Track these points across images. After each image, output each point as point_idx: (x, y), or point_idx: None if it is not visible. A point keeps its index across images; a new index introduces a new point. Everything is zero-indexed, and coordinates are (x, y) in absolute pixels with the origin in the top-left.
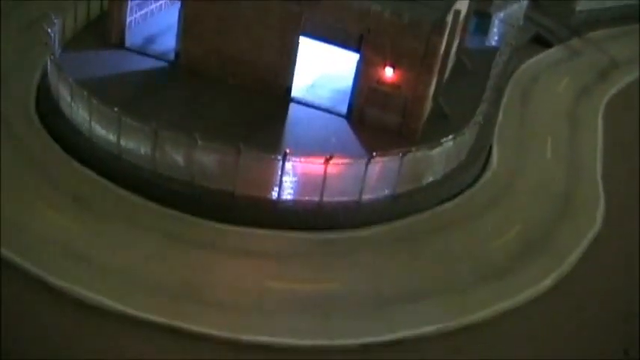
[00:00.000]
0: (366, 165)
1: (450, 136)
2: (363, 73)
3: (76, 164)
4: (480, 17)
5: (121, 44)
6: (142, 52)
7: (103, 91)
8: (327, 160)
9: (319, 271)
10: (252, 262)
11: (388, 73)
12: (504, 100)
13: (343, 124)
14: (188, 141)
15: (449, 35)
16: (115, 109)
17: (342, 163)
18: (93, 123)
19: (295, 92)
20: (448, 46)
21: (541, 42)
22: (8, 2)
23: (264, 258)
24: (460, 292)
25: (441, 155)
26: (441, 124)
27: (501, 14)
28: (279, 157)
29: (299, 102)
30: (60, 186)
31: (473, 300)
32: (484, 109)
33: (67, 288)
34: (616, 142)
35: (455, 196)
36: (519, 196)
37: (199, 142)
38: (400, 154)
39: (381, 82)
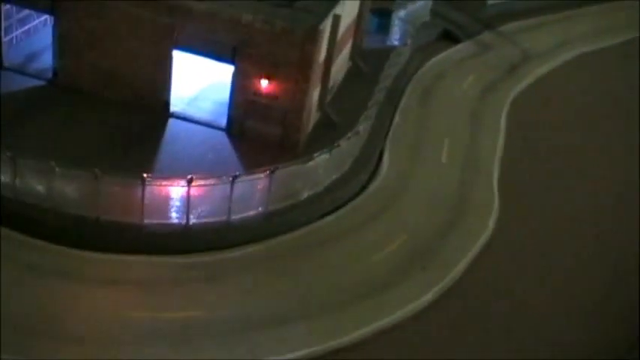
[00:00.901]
0: (231, 184)
1: (324, 150)
2: (239, 85)
3: None
4: (381, 16)
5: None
6: (20, 71)
7: None
8: (188, 182)
9: (184, 297)
10: (115, 291)
11: (263, 84)
12: (403, 101)
13: (223, 138)
14: (46, 168)
15: (330, 41)
16: None
17: (205, 184)
18: None
19: (175, 106)
20: (329, 52)
21: (450, 38)
22: None
23: (128, 286)
24: (333, 312)
25: (317, 169)
26: (328, 134)
27: (402, 12)
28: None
29: (178, 116)
30: None
31: (346, 320)
32: (371, 114)
33: None
34: (518, 142)
35: (338, 208)
36: (407, 204)
37: (57, 170)
38: (268, 172)
39: (258, 93)
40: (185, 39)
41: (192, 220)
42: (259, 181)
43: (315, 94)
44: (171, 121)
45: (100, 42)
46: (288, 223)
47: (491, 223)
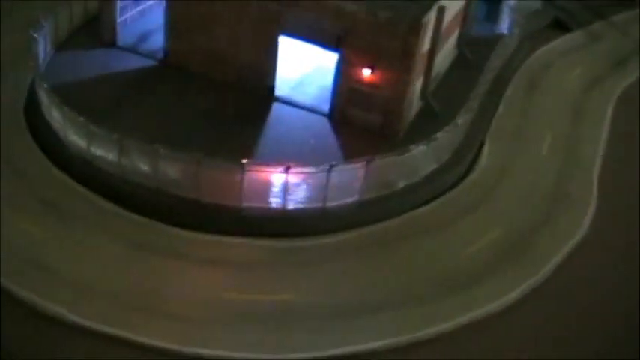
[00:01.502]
0: (328, 173)
1: (422, 142)
2: (342, 73)
3: (53, 169)
4: (490, 3)
5: (113, 43)
6: (133, 51)
7: (90, 92)
8: (286, 170)
9: (278, 280)
10: (211, 271)
11: (366, 73)
12: (508, 92)
13: (325, 124)
14: (151, 150)
15: (434, 32)
16: (81, 118)
17: (302, 172)
18: (67, 129)
19: (280, 90)
20: (434, 43)
21: (561, 27)
22: (8, 1)
23: (224, 267)
24: (421, 303)
25: (414, 160)
26: (430, 123)
27: (512, 1)
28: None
29: (282, 101)
30: (33, 190)
31: (433, 312)
32: (473, 105)
33: (23, 296)
34: (623, 139)
35: (433, 199)
36: (504, 198)
37: (162, 152)
38: (364, 162)
39: (360, 82)
40: (291, 25)
41: (290, 206)
42: (356, 170)
43: (417, 83)
44: (275, 105)
45: (209, 26)
46: (382, 212)
47: (587, 221)
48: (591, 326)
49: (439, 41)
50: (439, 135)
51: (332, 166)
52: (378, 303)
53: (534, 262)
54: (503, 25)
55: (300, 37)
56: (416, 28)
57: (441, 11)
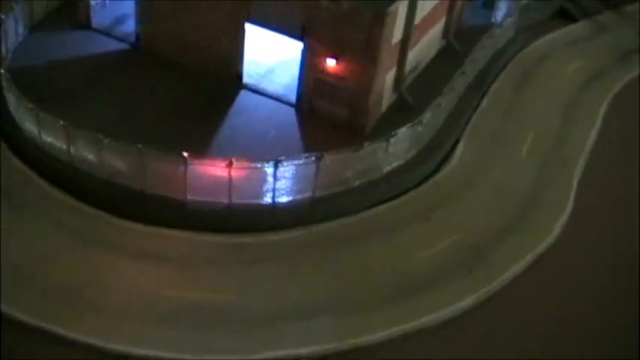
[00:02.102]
0: (275, 168)
1: (380, 139)
2: (307, 63)
3: (7, 153)
4: None
5: (88, 25)
6: (106, 33)
7: (58, 74)
8: (229, 164)
9: (218, 278)
10: (153, 265)
11: (331, 64)
12: (495, 85)
13: (291, 114)
14: (96, 139)
15: (406, 22)
16: (30, 104)
17: (246, 167)
18: (20, 114)
19: (250, 78)
20: (406, 33)
21: (567, 16)
22: None
23: (166, 262)
24: (364, 308)
25: (373, 156)
26: (404, 117)
27: None
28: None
29: (250, 89)
30: None
31: (375, 318)
32: (446, 100)
33: None
34: (612, 140)
35: (393, 198)
36: (471, 200)
37: (106, 142)
38: (314, 158)
39: (326, 72)
40: (258, 14)
41: (235, 200)
42: (305, 166)
43: (388, 76)
44: (243, 93)
45: (180, 12)
46: (336, 210)
47: (557, 227)
48: (548, 336)
49: (413, 32)
50: (399, 131)
51: (278, 162)
52: (320, 306)
53: (492, 269)
54: (499, 13)
55: (266, 26)
56: (380, 18)
57: (413, 0)
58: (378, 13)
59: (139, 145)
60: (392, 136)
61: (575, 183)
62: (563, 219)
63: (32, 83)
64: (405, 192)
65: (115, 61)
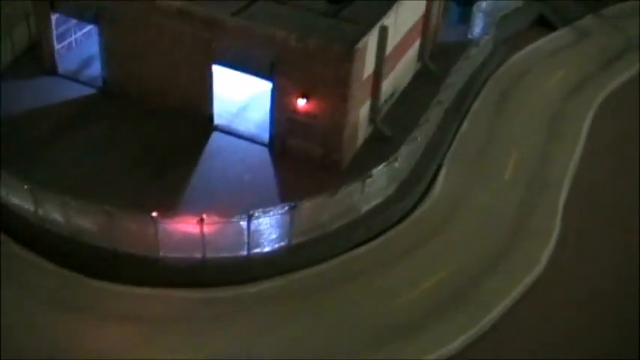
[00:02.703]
0: (248, 221)
1: (355, 180)
2: (278, 102)
3: None
4: (464, 4)
5: (55, 71)
6: (73, 78)
7: (24, 126)
8: (200, 221)
9: (193, 336)
10: (125, 327)
11: (301, 103)
12: (475, 105)
13: (265, 155)
14: (63, 202)
15: (378, 54)
16: None
17: (217, 222)
18: None
19: (221, 118)
20: (379, 65)
21: (546, 25)
22: None
23: (139, 322)
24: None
25: (350, 197)
26: (380, 149)
27: (483, 4)
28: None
29: (222, 130)
30: None
31: None
32: (424, 131)
33: None
34: (598, 156)
35: (375, 237)
36: (454, 234)
37: (73, 204)
38: (287, 208)
39: (297, 111)
40: (223, 54)
41: (210, 255)
42: (279, 216)
43: (362, 110)
44: (215, 135)
45: (143, 53)
46: (313, 256)
47: (544, 258)
48: None
49: (386, 61)
50: (375, 171)
51: (251, 216)
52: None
53: (479, 306)
54: (476, 28)
55: (233, 66)
56: (349, 55)
57: (384, 32)
58: (346, 51)
59: (107, 207)
60: (368, 177)
61: (560, 205)
62: (550, 246)
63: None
64: (386, 230)
65: (83, 108)
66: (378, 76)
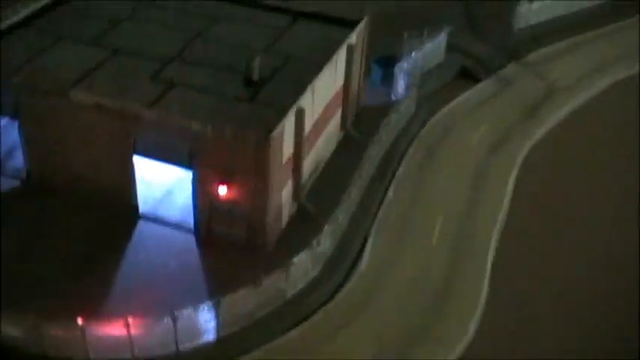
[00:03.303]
0: (173, 319)
1: (276, 271)
2: (199, 190)
3: None
4: (385, 66)
5: None
6: None
7: None
8: (126, 324)
9: None
10: None
11: (222, 191)
12: (400, 169)
13: (191, 240)
14: None
15: (296, 136)
16: None
17: (142, 324)
18: None
19: (146, 205)
20: (298, 147)
21: (469, 76)
22: None
23: None
24: None
25: (275, 285)
26: (306, 226)
27: (405, 64)
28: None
29: (147, 218)
30: None
31: None
32: (346, 209)
33: None
34: (523, 212)
35: (305, 319)
36: (383, 307)
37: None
38: (212, 304)
39: (219, 198)
40: (142, 144)
41: (139, 354)
42: (204, 311)
43: (285, 190)
44: (140, 224)
45: (65, 146)
46: (243, 345)
47: (472, 325)
48: None
49: (306, 141)
50: (297, 258)
51: (175, 317)
52: None
53: None
54: (399, 89)
55: (153, 157)
56: (265, 143)
57: (300, 115)
58: (263, 138)
59: (32, 315)
60: (290, 265)
61: (488, 266)
62: (477, 316)
63: None
64: (314, 312)
65: (8, 202)
66: (298, 156)
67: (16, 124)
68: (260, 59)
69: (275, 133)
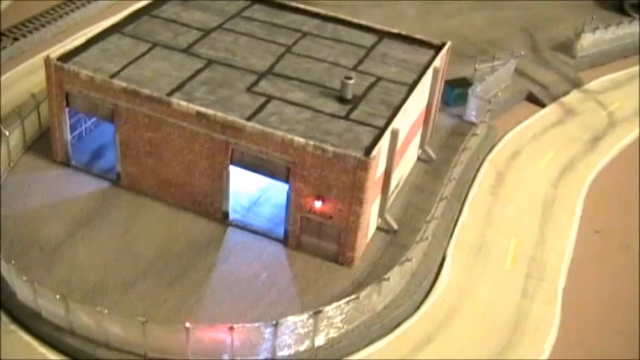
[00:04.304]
0: (274, 330)
1: (371, 285)
2: (293, 202)
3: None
4: (459, 87)
5: (68, 162)
6: (86, 170)
7: (40, 224)
8: (230, 329)
9: None
10: None
11: (317, 205)
12: (473, 191)
13: (280, 251)
14: (94, 311)
15: (389, 155)
16: (24, 277)
17: (246, 329)
18: (13, 280)
19: (235, 213)
20: (389, 165)
21: (534, 101)
22: None
23: None
24: None
25: (367, 300)
26: (388, 242)
27: (478, 88)
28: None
29: (237, 225)
30: None
31: None
32: (431, 231)
33: None
34: (592, 236)
35: (389, 332)
36: (461, 328)
37: (105, 313)
38: (312, 313)
39: (312, 211)
40: (240, 156)
41: (236, 358)
42: (304, 320)
43: (374, 206)
44: (230, 231)
45: (158, 151)
46: (335, 354)
47: (547, 347)
48: None
49: (394, 157)
50: (390, 274)
51: (277, 323)
52: None
53: None
54: (471, 111)
55: (250, 168)
56: (365, 164)
57: (395, 135)
58: (362, 159)
59: (140, 319)
60: (384, 280)
61: (559, 292)
62: (551, 337)
63: (16, 237)
64: (399, 325)
65: (97, 205)
66: (388, 173)
67: (104, 125)
68: (354, 78)
69: (374, 154)
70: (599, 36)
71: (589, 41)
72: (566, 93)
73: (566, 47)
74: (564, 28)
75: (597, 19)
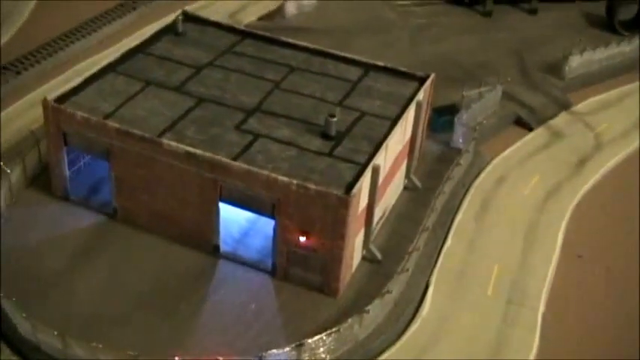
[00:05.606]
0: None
1: (353, 317)
2: (280, 237)
3: (5, 351)
4: (445, 114)
5: (66, 196)
6: (85, 204)
7: (39, 258)
8: None
9: None
10: None
11: (302, 239)
12: (458, 218)
13: (268, 282)
14: (90, 347)
15: (371, 190)
16: (24, 314)
17: None
18: (14, 315)
19: (226, 245)
20: (371, 199)
21: (521, 125)
22: None
23: None
24: None
25: (349, 330)
26: (373, 272)
27: (464, 116)
28: None
29: (227, 257)
30: None
31: None
32: (412, 263)
33: None
34: (573, 262)
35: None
36: (443, 354)
37: (100, 348)
38: (295, 346)
39: (298, 245)
40: (228, 193)
41: None
42: (287, 353)
43: (357, 239)
44: (220, 263)
45: (151, 187)
46: None
47: None
48: None
49: (378, 191)
50: (370, 306)
51: (261, 357)
52: None
53: None
54: (457, 138)
55: (238, 204)
56: (346, 202)
57: (376, 172)
58: (343, 197)
59: (132, 353)
60: (365, 312)
61: (539, 318)
62: None
63: (17, 270)
64: (381, 353)
65: (94, 237)
66: (370, 207)
67: (100, 162)
68: (337, 115)
69: (354, 192)
70: (587, 57)
71: (577, 63)
72: (554, 115)
73: (556, 69)
74: (554, 49)
75: (586, 40)
